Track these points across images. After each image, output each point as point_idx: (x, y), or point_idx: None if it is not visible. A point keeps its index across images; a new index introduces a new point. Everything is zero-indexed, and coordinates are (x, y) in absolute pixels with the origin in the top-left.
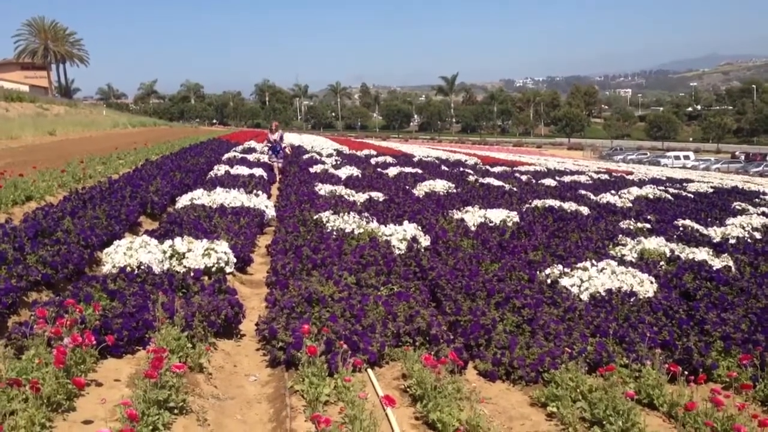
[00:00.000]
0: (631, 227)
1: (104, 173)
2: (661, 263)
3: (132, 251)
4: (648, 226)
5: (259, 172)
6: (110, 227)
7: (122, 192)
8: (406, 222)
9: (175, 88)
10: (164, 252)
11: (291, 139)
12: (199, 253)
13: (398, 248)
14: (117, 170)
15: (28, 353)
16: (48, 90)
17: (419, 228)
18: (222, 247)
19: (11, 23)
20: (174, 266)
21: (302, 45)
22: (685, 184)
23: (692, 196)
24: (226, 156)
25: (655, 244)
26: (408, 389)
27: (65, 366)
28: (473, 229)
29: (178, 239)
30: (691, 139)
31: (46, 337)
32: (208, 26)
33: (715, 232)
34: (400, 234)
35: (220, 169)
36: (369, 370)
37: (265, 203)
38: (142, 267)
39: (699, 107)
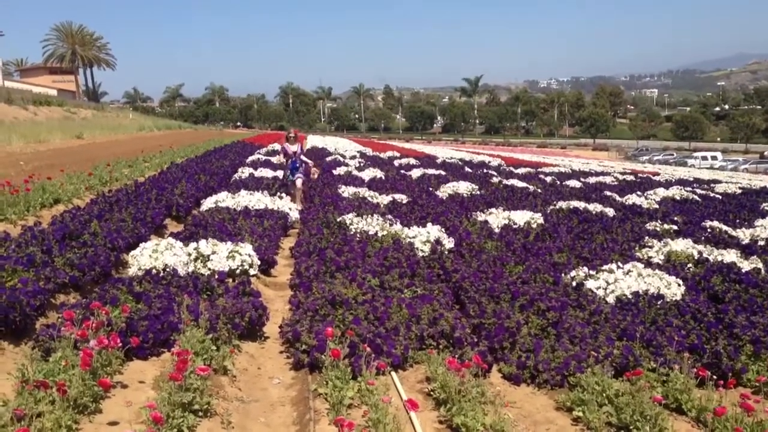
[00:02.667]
0: (658, 229)
1: (130, 176)
2: (689, 265)
3: (157, 254)
4: (675, 227)
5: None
6: (136, 230)
7: (148, 195)
8: (429, 224)
9: (200, 92)
10: (189, 254)
11: (314, 141)
12: (223, 256)
13: (422, 250)
14: (143, 173)
15: (55, 355)
16: (75, 94)
17: (443, 230)
18: (246, 249)
19: (39, 28)
20: (199, 268)
21: (326, 47)
22: (712, 185)
23: (720, 197)
24: (250, 159)
25: (682, 245)
26: (432, 393)
27: (91, 368)
28: (497, 231)
29: (202, 241)
30: (718, 139)
31: (72, 340)
32: (232, 30)
33: (743, 234)
34: (423, 236)
35: (244, 172)
36: (393, 374)
37: (288, 205)
38: (168, 269)
39: (727, 107)
